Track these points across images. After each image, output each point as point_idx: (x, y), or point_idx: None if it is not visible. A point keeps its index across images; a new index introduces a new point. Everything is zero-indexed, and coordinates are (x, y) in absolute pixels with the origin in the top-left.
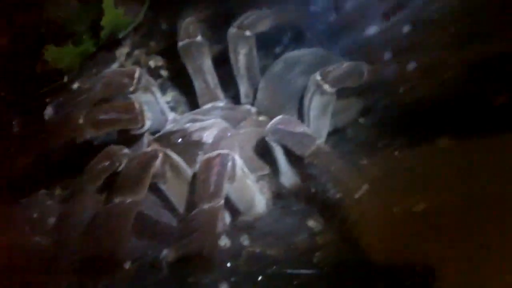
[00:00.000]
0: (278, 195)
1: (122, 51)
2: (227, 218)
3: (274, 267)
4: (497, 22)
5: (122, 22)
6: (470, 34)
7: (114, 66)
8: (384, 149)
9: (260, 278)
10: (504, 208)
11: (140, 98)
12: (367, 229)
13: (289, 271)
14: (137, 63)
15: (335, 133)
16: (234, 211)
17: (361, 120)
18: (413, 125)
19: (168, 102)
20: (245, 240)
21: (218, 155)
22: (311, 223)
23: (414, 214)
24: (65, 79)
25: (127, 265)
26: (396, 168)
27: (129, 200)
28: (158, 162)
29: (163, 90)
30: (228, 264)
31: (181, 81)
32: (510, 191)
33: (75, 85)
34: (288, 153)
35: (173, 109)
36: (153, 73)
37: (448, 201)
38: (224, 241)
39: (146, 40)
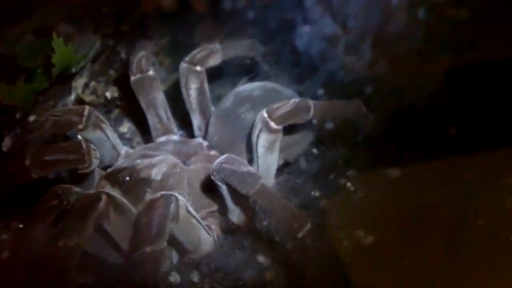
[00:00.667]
0: (227, 231)
1: (79, 82)
2: (174, 256)
3: None
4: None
5: (73, 58)
6: (425, 59)
7: (71, 97)
8: (336, 180)
9: None
10: (457, 237)
11: (90, 136)
12: (315, 265)
13: None
14: (94, 93)
15: (287, 165)
16: (182, 249)
17: (314, 151)
18: (365, 155)
19: (124, 133)
20: (194, 276)
21: (161, 196)
22: (260, 258)
23: (364, 247)
24: (18, 115)
25: None
26: (347, 200)
27: (72, 242)
28: (101, 204)
29: (119, 121)
30: None
31: (137, 112)
32: (462, 220)
33: (31, 118)
34: (234, 191)
35: (129, 140)
36: (110, 104)
37: (399, 233)
38: (174, 277)
39: (104, 70)
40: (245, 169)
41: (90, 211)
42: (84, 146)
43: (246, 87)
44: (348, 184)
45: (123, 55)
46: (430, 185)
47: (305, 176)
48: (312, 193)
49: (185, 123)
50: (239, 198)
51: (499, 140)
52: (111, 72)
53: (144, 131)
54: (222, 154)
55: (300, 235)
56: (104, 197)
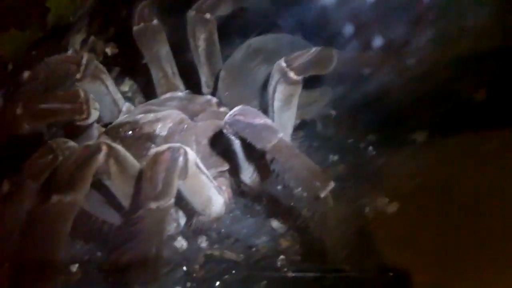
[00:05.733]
0: (239, 193)
1: (76, 38)
2: (181, 218)
3: (233, 271)
4: (477, 21)
5: (70, 4)
6: (450, 31)
7: (68, 54)
8: (356, 144)
9: (217, 283)
10: (483, 207)
11: (89, 87)
12: (335, 232)
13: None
14: (92, 50)
15: (303, 126)
16: (189, 210)
17: (332, 112)
18: (389, 119)
19: (125, 92)
20: (202, 242)
21: (168, 149)
22: (274, 224)
23: (388, 215)
24: (10, 67)
25: (74, 268)
26: (368, 165)
27: (68, 199)
28: (101, 156)
29: (121, 79)
30: (184, 268)
31: (139, 70)
32: (489, 190)
33: (26, 74)
34: (248, 147)
35: (130, 99)
36: (110, 61)
37: (424, 202)
38: (181, 243)
39: (103, 26)
40: (261, 121)
41: (88, 163)
42: (82, 95)
43: (259, 39)
44: (370, 148)
45: (121, 13)
46: (458, 152)
47: (322, 139)
48: (330, 157)
49: (191, 83)
50: (254, 154)
51: None
52: (109, 30)
53: (147, 90)
54: None
55: (322, 195)
56: (104, 148)
